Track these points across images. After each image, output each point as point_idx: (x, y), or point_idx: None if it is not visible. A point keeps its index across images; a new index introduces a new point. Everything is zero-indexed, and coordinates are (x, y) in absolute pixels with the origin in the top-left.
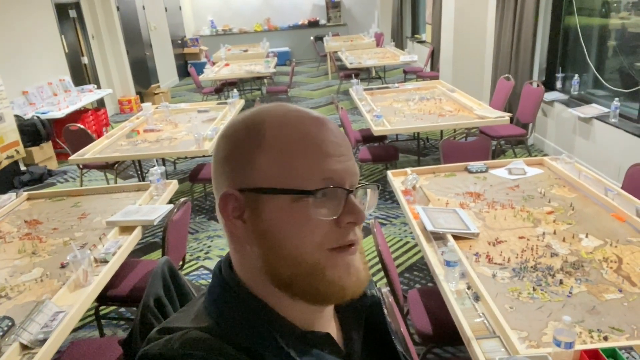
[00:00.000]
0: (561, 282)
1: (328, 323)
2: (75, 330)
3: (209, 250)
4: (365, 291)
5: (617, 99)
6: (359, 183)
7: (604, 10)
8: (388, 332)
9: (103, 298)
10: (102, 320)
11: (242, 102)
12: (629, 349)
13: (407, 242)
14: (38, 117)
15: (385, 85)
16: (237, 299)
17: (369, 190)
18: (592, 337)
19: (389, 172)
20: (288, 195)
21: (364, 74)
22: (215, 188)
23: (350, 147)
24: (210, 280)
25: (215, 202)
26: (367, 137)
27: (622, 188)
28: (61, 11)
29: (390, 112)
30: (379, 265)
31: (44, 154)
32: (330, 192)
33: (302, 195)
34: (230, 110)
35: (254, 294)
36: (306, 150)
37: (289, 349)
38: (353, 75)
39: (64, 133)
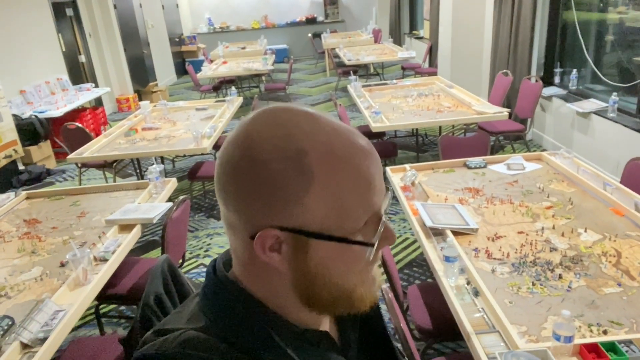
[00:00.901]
0: (560, 276)
1: (325, 321)
2: (75, 329)
3: (208, 248)
4: None
5: (615, 93)
6: None
7: (601, 4)
8: (384, 328)
9: (103, 297)
10: (102, 319)
11: (240, 99)
12: (628, 342)
13: (406, 238)
14: (36, 116)
15: (383, 81)
16: (233, 298)
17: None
18: (591, 331)
19: (388, 169)
20: (335, 241)
21: (362, 70)
22: (227, 204)
23: None
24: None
25: (223, 213)
26: (366, 134)
27: (621, 182)
28: (58, 10)
29: (388, 108)
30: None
31: (42, 153)
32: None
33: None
34: (229, 107)
35: (250, 293)
36: (357, 190)
37: (286, 346)
38: (351, 71)
39: (62, 132)
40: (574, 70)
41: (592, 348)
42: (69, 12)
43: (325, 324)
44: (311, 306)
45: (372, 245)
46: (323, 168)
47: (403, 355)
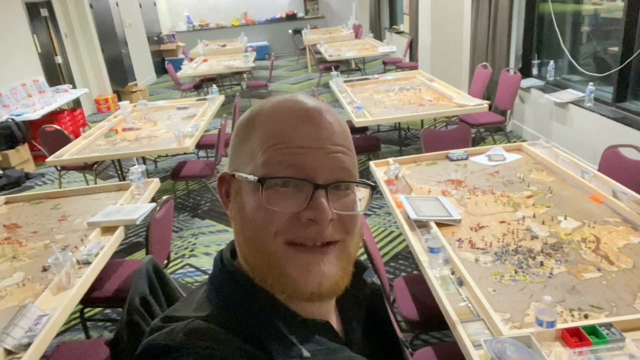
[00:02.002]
0: (542, 263)
1: (328, 312)
2: (61, 333)
3: (194, 247)
4: (365, 279)
5: (591, 83)
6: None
7: None
8: (388, 319)
9: (88, 300)
10: (87, 323)
11: (222, 97)
12: (609, 325)
13: (391, 232)
14: (13, 120)
15: (365, 76)
16: (238, 287)
17: (357, 188)
18: (572, 315)
19: (372, 163)
20: (251, 182)
21: (343, 66)
22: None
23: (344, 141)
24: (197, 278)
25: None
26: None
27: (599, 170)
28: (32, 10)
29: (370, 103)
30: (365, 256)
31: (20, 157)
32: (292, 184)
33: (254, 182)
34: (210, 106)
35: (254, 281)
36: (277, 141)
37: (290, 335)
38: (333, 67)
39: (40, 135)
40: (551, 62)
41: (574, 332)
42: (44, 12)
43: (329, 316)
44: (248, 267)
45: (260, 180)
46: (262, 121)
47: (407, 346)
